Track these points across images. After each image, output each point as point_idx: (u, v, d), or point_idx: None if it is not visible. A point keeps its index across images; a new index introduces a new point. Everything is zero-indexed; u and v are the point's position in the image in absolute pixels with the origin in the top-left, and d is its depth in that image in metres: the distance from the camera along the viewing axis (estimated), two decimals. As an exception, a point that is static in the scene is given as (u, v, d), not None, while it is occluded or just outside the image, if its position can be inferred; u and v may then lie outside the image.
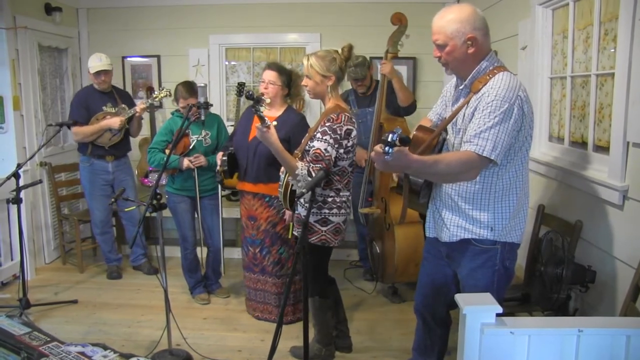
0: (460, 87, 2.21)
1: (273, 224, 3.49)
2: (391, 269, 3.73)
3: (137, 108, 4.24)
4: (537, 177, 3.28)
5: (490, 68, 2.12)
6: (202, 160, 3.73)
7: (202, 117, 3.28)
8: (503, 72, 2.09)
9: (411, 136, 2.25)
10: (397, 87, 3.82)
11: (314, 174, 2.65)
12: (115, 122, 4.19)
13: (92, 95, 4.30)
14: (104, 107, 4.29)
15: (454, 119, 2.21)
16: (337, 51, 2.81)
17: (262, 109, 2.55)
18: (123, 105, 4.31)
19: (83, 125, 4.19)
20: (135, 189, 4.63)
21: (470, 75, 2.14)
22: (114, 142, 4.29)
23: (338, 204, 2.84)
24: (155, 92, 4.30)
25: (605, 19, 2.65)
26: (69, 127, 4.33)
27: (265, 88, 3.34)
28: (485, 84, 2.07)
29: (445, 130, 2.28)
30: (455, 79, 2.28)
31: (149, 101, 4.30)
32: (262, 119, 2.59)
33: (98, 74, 4.20)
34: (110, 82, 4.34)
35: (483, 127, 2.00)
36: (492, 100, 2.01)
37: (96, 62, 4.20)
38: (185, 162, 3.69)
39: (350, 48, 2.84)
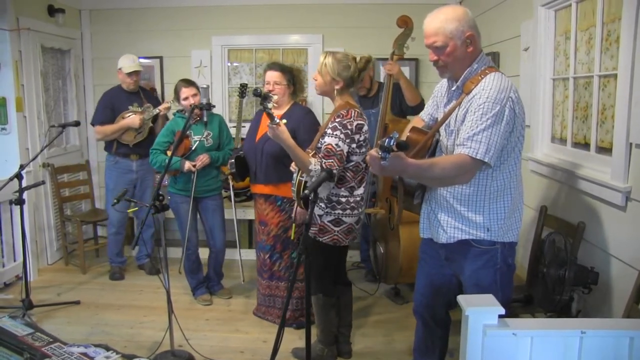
0: (453, 89, 2.22)
1: (284, 228, 3.48)
2: (395, 269, 3.73)
3: (161, 107, 4.33)
4: (540, 178, 3.28)
5: (482, 68, 2.12)
6: (205, 160, 3.73)
7: (205, 119, 3.29)
8: (494, 72, 2.10)
9: (405, 137, 2.26)
10: (405, 87, 3.86)
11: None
12: (135, 120, 4.26)
13: (119, 96, 4.40)
14: (130, 107, 4.38)
15: (447, 121, 2.21)
16: (355, 59, 2.81)
17: (270, 105, 2.54)
18: (148, 105, 4.39)
19: (105, 125, 4.31)
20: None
21: (462, 76, 2.14)
22: (138, 141, 4.35)
23: (352, 204, 2.84)
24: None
25: (608, 20, 2.65)
26: (94, 125, 4.41)
27: (272, 90, 3.34)
28: (477, 85, 2.08)
29: (438, 132, 2.28)
30: (446, 79, 2.28)
31: (173, 101, 4.34)
32: (271, 116, 2.58)
33: (131, 74, 4.30)
34: (139, 83, 4.44)
35: (476, 130, 2.00)
36: (484, 103, 2.01)
37: (129, 62, 4.32)
38: (187, 165, 3.69)
39: (367, 60, 2.85)
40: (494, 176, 2.14)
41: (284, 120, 2.70)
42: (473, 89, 2.08)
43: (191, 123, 3.38)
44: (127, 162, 4.41)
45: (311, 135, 3.13)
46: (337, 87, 2.80)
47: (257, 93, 2.56)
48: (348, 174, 2.81)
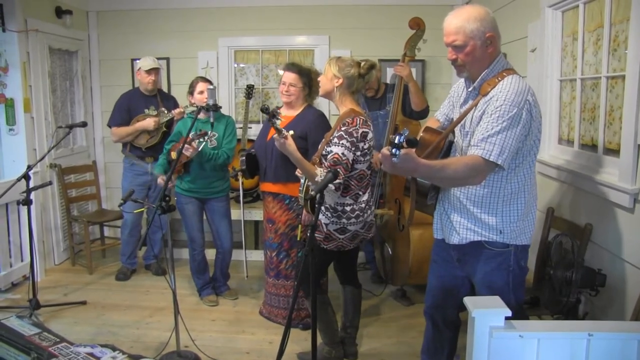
0: (469, 89, 2.20)
1: (292, 227, 3.49)
2: (404, 271, 3.71)
3: (175, 112, 4.34)
4: (547, 180, 3.26)
5: (500, 70, 2.11)
6: (193, 145, 3.56)
7: (212, 120, 3.30)
8: (512, 75, 2.08)
9: (418, 138, 2.24)
10: (413, 91, 3.86)
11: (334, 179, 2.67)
12: (149, 123, 4.29)
13: (136, 98, 4.44)
14: (146, 110, 4.41)
15: (462, 122, 2.20)
16: (359, 63, 2.84)
17: (277, 122, 2.57)
18: (162, 109, 4.42)
19: (121, 127, 4.35)
20: None
21: (480, 77, 2.13)
22: (150, 144, 4.38)
23: (357, 212, 2.85)
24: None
25: (616, 21, 2.63)
26: (110, 127, 4.44)
27: (287, 91, 3.36)
28: (494, 87, 2.06)
29: (453, 133, 2.27)
30: (463, 79, 2.27)
31: (187, 106, 4.36)
32: (278, 130, 2.62)
33: (150, 71, 4.34)
34: (157, 83, 4.47)
35: (491, 132, 1.99)
36: (501, 105, 2.00)
37: (148, 61, 4.37)
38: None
39: (370, 66, 2.87)
40: (508, 179, 2.13)
41: (291, 132, 2.74)
42: (490, 91, 2.07)
43: (196, 124, 3.40)
44: (142, 164, 4.47)
45: (322, 136, 3.13)
46: (336, 84, 2.82)
47: (265, 110, 2.61)
48: (352, 182, 2.82)
